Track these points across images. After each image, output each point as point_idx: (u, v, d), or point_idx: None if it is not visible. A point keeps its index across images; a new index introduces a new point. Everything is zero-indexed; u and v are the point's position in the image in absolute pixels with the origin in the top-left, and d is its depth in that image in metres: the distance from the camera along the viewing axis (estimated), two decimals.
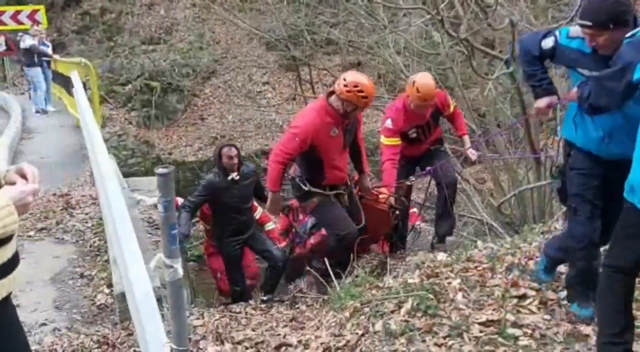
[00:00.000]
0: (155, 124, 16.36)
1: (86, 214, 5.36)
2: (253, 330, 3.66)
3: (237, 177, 5.27)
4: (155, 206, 5.47)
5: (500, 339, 2.92)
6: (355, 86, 4.25)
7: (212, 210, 5.44)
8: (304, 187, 4.54)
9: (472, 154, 5.43)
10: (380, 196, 5.14)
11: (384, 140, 5.10)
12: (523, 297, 3.33)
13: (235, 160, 5.25)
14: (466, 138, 5.48)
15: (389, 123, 5.04)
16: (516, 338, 2.94)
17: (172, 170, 2.30)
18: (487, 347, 2.88)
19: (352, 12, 9.64)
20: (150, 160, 15.16)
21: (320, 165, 4.48)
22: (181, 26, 17.98)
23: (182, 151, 16.17)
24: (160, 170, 2.27)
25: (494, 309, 3.20)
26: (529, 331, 2.98)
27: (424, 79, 4.94)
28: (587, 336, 2.93)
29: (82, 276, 4.10)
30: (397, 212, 5.28)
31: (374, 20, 8.87)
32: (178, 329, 2.48)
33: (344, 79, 4.32)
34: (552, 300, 3.28)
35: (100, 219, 5.16)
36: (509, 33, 5.81)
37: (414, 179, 5.43)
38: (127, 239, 3.42)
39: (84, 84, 7.05)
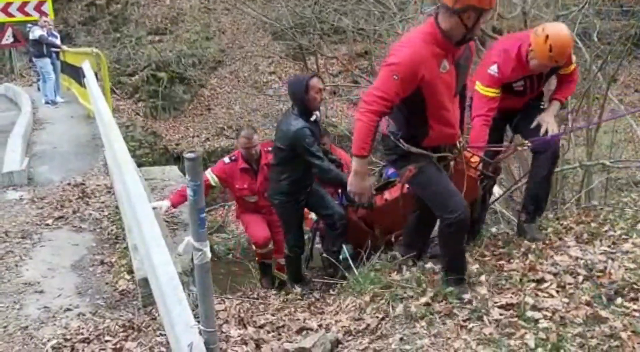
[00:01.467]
0: (162, 115, 16.42)
1: (102, 202, 5.40)
2: (272, 315, 3.71)
3: (318, 117, 4.54)
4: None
5: (520, 322, 2.95)
6: None
7: (289, 161, 4.44)
8: (402, 146, 3.24)
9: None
10: (472, 159, 3.95)
11: (480, 88, 3.95)
12: (541, 281, 3.36)
13: (323, 95, 4.46)
14: (556, 105, 4.15)
15: (493, 69, 3.91)
16: (536, 321, 2.96)
17: (200, 155, 2.34)
18: (507, 330, 2.91)
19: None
20: (158, 151, 15.25)
21: (423, 117, 3.21)
22: (187, 16, 17.97)
23: (189, 142, 16.23)
24: (189, 155, 2.31)
25: (512, 293, 3.23)
26: (549, 314, 3.01)
27: (560, 35, 3.69)
28: (607, 318, 2.96)
29: (102, 263, 4.15)
30: (485, 181, 4.16)
31: (382, 7, 8.85)
32: (206, 311, 2.54)
33: None
34: (570, 284, 3.30)
35: (117, 207, 5.20)
36: (521, 21, 5.79)
37: (528, 144, 4.05)
38: (149, 223, 3.48)
39: (96, 75, 7.07)
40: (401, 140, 3.23)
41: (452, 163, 3.47)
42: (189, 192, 2.34)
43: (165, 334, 2.99)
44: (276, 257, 5.41)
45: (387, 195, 4.31)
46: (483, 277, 3.43)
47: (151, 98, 16.08)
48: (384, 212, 4.40)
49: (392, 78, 2.96)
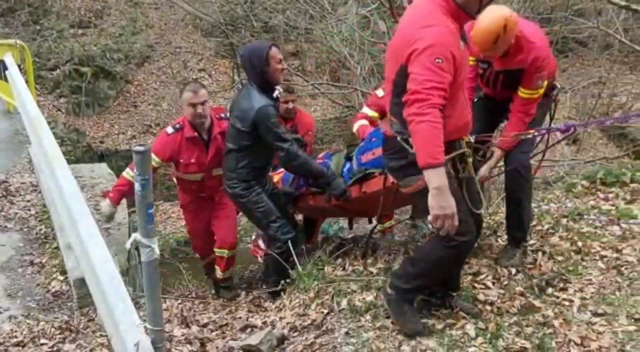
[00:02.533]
0: (86, 112, 15.77)
1: (28, 201, 5.13)
2: (215, 314, 3.67)
3: (280, 93, 3.97)
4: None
5: (460, 313, 3.06)
6: None
7: (256, 145, 3.82)
8: (410, 149, 2.63)
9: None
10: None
11: None
12: (477, 273, 3.50)
13: (284, 66, 3.92)
14: (495, 156, 3.57)
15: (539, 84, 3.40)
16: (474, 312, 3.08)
17: (149, 148, 2.28)
18: (448, 320, 3.01)
19: None
20: (81, 149, 14.66)
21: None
22: (113, 10, 17.36)
23: (114, 139, 15.68)
24: (137, 148, 2.24)
25: None
26: (488, 307, 3.14)
27: (481, 21, 3.11)
28: (540, 308, 3.12)
29: (32, 263, 3.94)
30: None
31: (315, 7, 8.91)
32: (153, 309, 2.47)
33: None
34: (504, 276, 3.45)
35: (44, 206, 4.97)
36: None
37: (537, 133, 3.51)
38: (85, 221, 3.35)
39: (19, 67, 6.71)
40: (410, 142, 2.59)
41: (469, 161, 2.88)
42: (137, 186, 2.27)
43: (106, 335, 2.89)
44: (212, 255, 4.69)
45: (366, 187, 3.82)
46: None
47: (74, 94, 15.40)
48: (360, 202, 4.00)
49: (435, 63, 2.44)
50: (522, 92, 3.42)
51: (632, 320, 2.95)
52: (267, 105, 3.69)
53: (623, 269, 3.42)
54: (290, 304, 3.56)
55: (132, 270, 4.28)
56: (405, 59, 2.52)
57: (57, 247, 4.12)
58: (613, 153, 10.76)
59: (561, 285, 3.31)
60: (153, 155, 4.01)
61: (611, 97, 13.62)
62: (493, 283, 3.36)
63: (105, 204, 4.31)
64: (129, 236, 4.36)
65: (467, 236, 2.71)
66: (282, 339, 3.11)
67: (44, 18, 16.08)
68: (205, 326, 3.31)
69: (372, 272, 3.58)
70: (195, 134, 4.20)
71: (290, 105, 4.77)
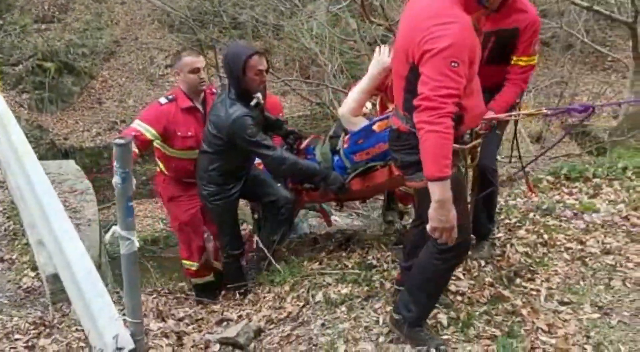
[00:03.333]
0: (49, 108, 15.47)
1: None
2: (190, 308, 3.68)
3: (262, 101, 3.73)
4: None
5: None
6: None
7: (228, 150, 3.63)
8: None
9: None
10: None
11: None
12: None
13: (265, 77, 3.68)
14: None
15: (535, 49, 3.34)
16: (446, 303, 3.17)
17: (130, 141, 2.29)
18: None
19: None
20: (45, 146, 14.38)
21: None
22: (77, 4, 17.06)
23: (79, 137, 15.43)
24: (118, 140, 2.25)
25: None
26: (459, 297, 3.23)
27: None
28: (508, 297, 3.23)
29: (1, 260, 3.87)
30: None
31: (286, 3, 8.94)
32: (132, 302, 2.49)
33: None
34: (474, 268, 3.55)
35: (12, 202, 4.88)
36: None
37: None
38: (58, 217, 3.33)
39: None
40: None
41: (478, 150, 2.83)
42: (117, 179, 2.28)
43: (82, 330, 2.88)
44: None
45: (369, 181, 3.70)
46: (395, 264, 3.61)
47: (37, 90, 15.09)
48: (360, 193, 3.97)
49: (450, 67, 2.29)
50: (521, 60, 3.29)
51: (596, 308, 3.08)
52: (243, 116, 3.49)
53: (587, 260, 3.55)
54: (264, 298, 3.59)
55: (104, 266, 4.25)
56: (418, 58, 2.36)
57: (27, 244, 4.07)
58: (576, 150, 11.10)
59: (529, 275, 3.43)
60: (147, 126, 3.75)
61: (573, 97, 13.99)
62: (463, 274, 3.45)
63: None
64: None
65: (463, 239, 2.59)
66: (258, 332, 3.14)
67: (7, 12, 15.72)
68: (181, 320, 3.33)
69: (346, 266, 3.64)
70: (191, 104, 3.89)
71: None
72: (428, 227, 2.44)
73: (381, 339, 2.89)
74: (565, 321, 2.97)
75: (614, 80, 15.37)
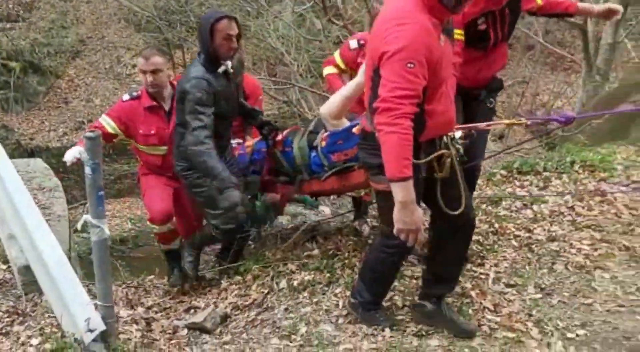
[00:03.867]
0: (15, 108, 15.30)
1: None
2: (158, 297, 3.81)
3: (232, 69, 3.53)
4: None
5: None
6: None
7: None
8: None
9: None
10: None
11: None
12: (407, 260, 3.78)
13: (235, 43, 3.44)
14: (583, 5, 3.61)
15: None
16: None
17: (99, 134, 2.43)
18: None
19: None
20: (10, 146, 14.21)
21: (420, 108, 2.45)
22: (42, 3, 16.87)
23: (45, 136, 15.28)
24: (88, 134, 2.40)
25: None
26: (414, 281, 3.45)
27: None
28: (459, 281, 3.45)
29: None
30: None
31: (252, 3, 9.08)
32: (104, 287, 2.63)
33: None
34: None
35: None
36: None
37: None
38: (29, 212, 3.43)
39: None
40: None
41: (448, 160, 2.71)
42: (87, 170, 2.42)
43: (54, 316, 3.00)
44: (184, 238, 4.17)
45: (345, 180, 3.66)
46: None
47: (2, 89, 14.92)
48: (337, 190, 4.10)
49: (406, 68, 2.30)
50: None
51: (539, 289, 3.32)
52: (200, 78, 3.33)
53: (533, 246, 3.80)
54: (229, 286, 3.75)
55: (73, 261, 4.35)
56: (378, 60, 2.40)
57: None
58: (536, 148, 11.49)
59: (479, 261, 3.66)
60: (109, 120, 3.79)
61: (534, 96, 14.44)
62: (418, 260, 3.67)
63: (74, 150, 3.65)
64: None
65: (402, 244, 2.59)
66: (225, 317, 3.31)
67: None
68: (150, 308, 3.47)
69: (309, 255, 3.82)
70: (154, 102, 3.80)
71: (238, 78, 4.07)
72: (395, 229, 2.45)
73: (340, 320, 3.09)
74: (510, 301, 3.20)
75: (573, 80, 15.88)
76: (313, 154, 3.75)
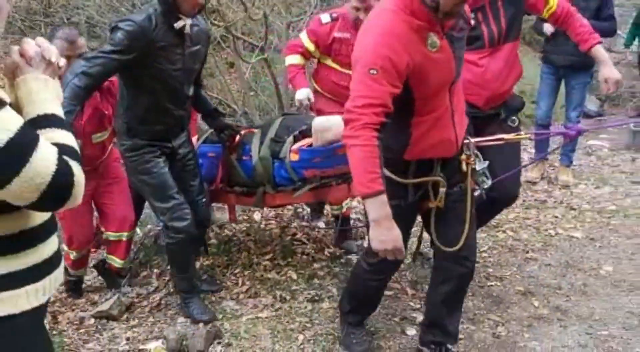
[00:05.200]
0: None
1: None
2: (57, 292, 3.86)
3: (188, 30, 2.92)
4: None
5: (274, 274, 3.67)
6: None
7: (128, 85, 2.98)
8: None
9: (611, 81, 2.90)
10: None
11: None
12: (296, 239, 4.14)
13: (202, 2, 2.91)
14: (599, 50, 2.94)
15: None
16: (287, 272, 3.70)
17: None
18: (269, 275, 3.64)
19: None
20: None
21: (404, 121, 2.27)
22: None
23: None
24: None
25: (272, 252, 3.95)
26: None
27: None
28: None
29: None
30: None
31: (125, 3, 8.98)
32: None
33: None
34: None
35: None
36: (262, 24, 6.65)
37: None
38: None
39: None
40: None
41: (442, 191, 2.40)
42: None
43: None
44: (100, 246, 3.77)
45: (322, 196, 3.50)
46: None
47: None
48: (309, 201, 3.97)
49: (368, 75, 2.08)
50: (548, 8, 2.99)
51: None
52: (141, 22, 2.76)
53: None
54: (131, 279, 3.88)
55: None
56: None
57: None
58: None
59: None
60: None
61: None
62: (315, 255, 4.06)
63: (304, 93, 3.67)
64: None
65: (389, 267, 2.54)
66: (130, 305, 3.46)
67: None
68: (53, 302, 3.53)
69: (208, 244, 4.07)
70: None
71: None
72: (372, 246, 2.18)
73: (241, 296, 3.42)
74: None
75: None
76: (277, 163, 3.29)
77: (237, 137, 3.45)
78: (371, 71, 2.06)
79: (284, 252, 3.88)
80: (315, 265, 3.72)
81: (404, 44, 2.10)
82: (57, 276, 1.40)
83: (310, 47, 3.75)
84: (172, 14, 2.82)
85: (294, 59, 3.81)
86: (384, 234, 2.10)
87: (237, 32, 6.01)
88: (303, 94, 3.70)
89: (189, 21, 2.87)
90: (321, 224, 4.38)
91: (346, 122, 2.11)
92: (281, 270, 3.65)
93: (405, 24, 2.12)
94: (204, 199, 3.27)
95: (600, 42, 2.95)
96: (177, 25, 2.84)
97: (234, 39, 5.76)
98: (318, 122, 3.16)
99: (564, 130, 2.99)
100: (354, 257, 3.80)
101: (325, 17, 3.72)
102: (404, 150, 2.30)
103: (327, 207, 4.28)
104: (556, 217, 4.49)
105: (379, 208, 2.07)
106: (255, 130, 3.50)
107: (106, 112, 3.31)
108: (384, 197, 2.07)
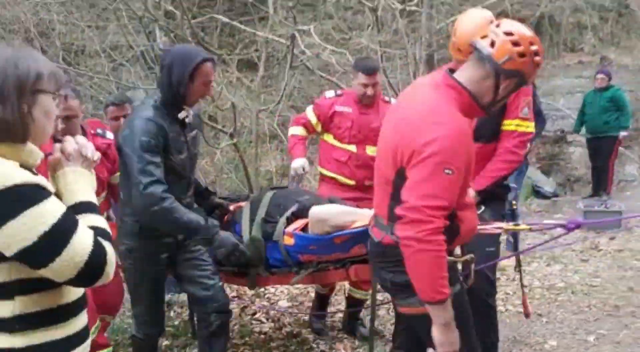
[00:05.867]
0: None
1: None
2: None
3: (189, 119, 2.86)
4: None
5: None
6: (531, 44, 2.03)
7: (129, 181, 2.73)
8: None
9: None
10: None
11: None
12: (255, 318, 4.28)
13: (212, 91, 2.96)
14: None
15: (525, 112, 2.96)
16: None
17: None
18: None
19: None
20: None
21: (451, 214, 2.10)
22: None
23: None
24: None
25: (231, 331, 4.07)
26: None
27: (467, 17, 2.85)
28: None
29: None
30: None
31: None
32: None
33: (503, 30, 2.03)
34: None
35: None
36: (231, 111, 7.01)
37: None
38: None
39: None
40: None
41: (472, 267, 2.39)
42: None
43: None
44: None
45: (319, 280, 3.45)
46: None
47: None
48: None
49: (443, 174, 1.96)
50: (509, 124, 2.96)
51: None
52: (148, 119, 2.67)
53: None
54: None
55: None
56: (406, 160, 2.04)
57: None
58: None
59: None
60: None
61: None
62: None
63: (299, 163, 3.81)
64: None
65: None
66: None
67: None
68: None
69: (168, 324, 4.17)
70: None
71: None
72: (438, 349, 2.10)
73: None
74: None
75: None
76: (270, 245, 3.19)
77: (227, 216, 3.37)
78: (446, 171, 1.95)
79: (242, 332, 3.99)
80: (272, 344, 3.83)
81: (471, 144, 2.10)
82: (85, 349, 1.51)
83: (313, 119, 3.95)
84: (176, 106, 2.78)
85: (295, 130, 4.01)
86: (453, 336, 2.07)
87: (204, 117, 6.34)
88: (299, 163, 3.85)
89: (191, 111, 2.83)
90: (283, 304, 4.49)
91: (411, 221, 1.97)
92: (237, 349, 3.75)
93: (466, 123, 2.08)
94: (220, 283, 3.00)
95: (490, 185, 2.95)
96: (181, 115, 2.79)
97: (203, 126, 6.06)
98: (315, 212, 3.07)
99: (563, 222, 2.82)
100: (310, 337, 3.92)
101: (329, 93, 4.03)
102: (453, 241, 2.17)
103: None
104: (507, 293, 4.67)
105: (449, 310, 2.04)
106: (244, 204, 3.40)
107: (101, 176, 3.11)
108: (449, 304, 2.04)
